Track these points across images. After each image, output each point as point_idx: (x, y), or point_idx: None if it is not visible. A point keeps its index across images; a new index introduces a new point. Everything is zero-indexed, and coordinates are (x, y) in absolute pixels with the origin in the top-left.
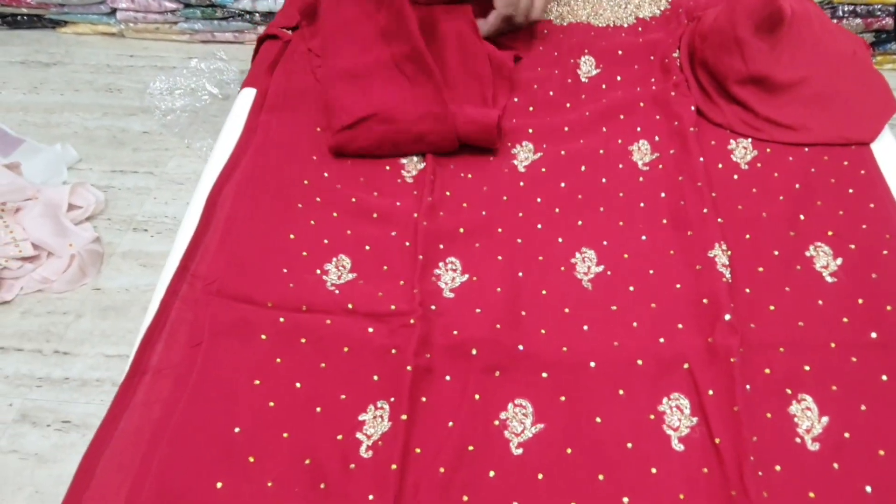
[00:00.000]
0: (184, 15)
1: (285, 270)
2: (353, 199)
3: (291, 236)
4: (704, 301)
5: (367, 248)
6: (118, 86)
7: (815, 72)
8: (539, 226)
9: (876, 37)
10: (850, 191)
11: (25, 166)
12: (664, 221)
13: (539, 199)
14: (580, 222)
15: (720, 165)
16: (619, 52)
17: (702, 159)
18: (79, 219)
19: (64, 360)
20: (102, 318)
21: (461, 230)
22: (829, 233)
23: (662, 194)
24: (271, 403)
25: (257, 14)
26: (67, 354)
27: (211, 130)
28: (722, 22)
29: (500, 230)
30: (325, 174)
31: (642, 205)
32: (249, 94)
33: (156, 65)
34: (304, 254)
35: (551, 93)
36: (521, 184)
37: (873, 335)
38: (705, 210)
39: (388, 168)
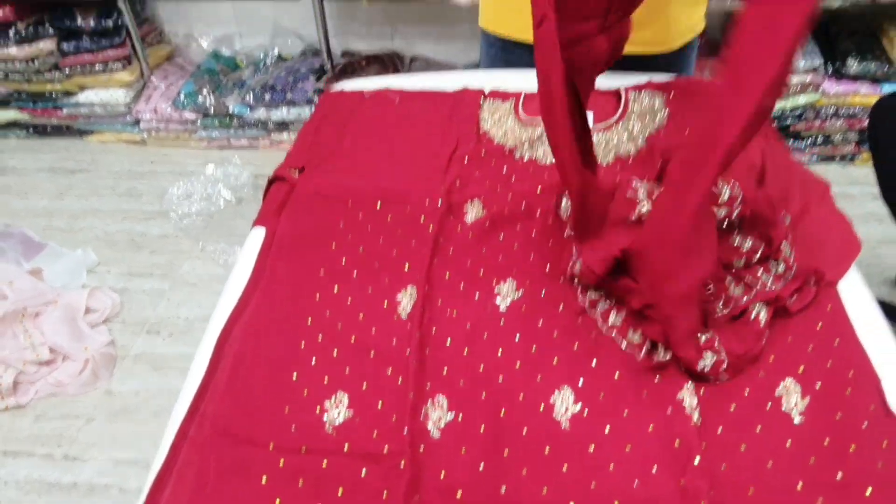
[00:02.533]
0: (203, 124)
1: (287, 410)
2: (353, 339)
3: (294, 376)
4: (677, 443)
5: (364, 385)
6: (139, 191)
7: (787, 213)
8: (517, 364)
9: (860, 136)
10: (819, 325)
11: (47, 271)
12: (638, 359)
13: (517, 337)
14: (556, 360)
15: None
16: None
17: None
18: (95, 322)
19: (73, 465)
20: (113, 422)
21: (445, 370)
22: (801, 369)
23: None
24: None
25: (271, 122)
26: (77, 459)
27: (224, 234)
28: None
29: (481, 368)
30: (328, 312)
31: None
32: (260, 233)
33: (175, 171)
34: (305, 392)
35: (534, 233)
36: (502, 322)
37: (839, 476)
38: None
39: (385, 304)
